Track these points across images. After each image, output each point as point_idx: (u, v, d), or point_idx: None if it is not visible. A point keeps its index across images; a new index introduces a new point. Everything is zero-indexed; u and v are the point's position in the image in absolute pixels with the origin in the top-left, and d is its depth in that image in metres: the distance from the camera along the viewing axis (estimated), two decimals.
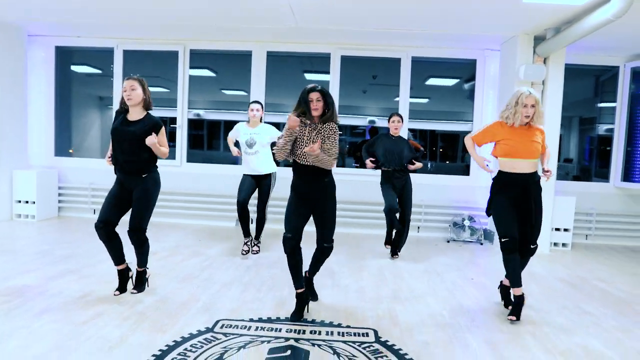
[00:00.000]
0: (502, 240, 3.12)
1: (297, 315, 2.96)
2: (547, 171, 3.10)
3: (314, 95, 2.91)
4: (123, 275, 3.26)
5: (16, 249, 4.48)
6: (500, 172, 3.21)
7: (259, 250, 4.66)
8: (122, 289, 3.23)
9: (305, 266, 3.10)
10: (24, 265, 3.87)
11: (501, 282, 3.44)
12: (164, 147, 3.19)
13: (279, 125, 5.27)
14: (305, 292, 3.06)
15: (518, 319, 3.05)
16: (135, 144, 3.10)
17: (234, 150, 4.65)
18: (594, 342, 2.79)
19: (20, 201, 5.94)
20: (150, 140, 3.06)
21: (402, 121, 4.63)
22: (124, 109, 3.18)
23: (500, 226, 3.16)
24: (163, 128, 3.21)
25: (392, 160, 4.55)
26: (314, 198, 2.96)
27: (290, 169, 3.05)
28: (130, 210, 3.20)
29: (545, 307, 3.40)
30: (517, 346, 2.69)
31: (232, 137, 4.69)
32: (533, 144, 3.10)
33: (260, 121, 4.62)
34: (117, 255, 3.23)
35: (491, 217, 3.30)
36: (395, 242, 4.75)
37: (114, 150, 3.18)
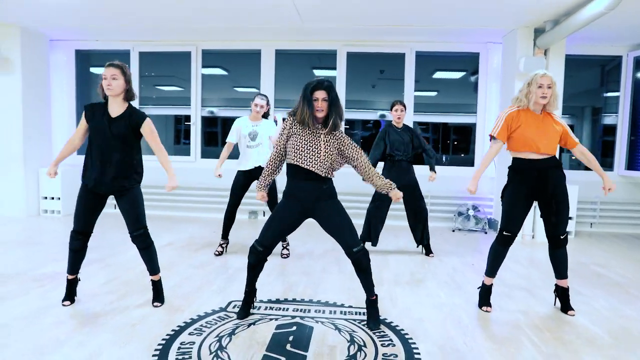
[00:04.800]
0: (503, 233, 2.98)
1: (245, 312, 2.85)
2: (609, 189, 2.97)
3: (320, 95, 2.65)
4: (72, 285, 3.02)
5: (45, 241, 4.82)
6: (515, 158, 3.00)
7: (289, 254, 4.37)
8: (71, 298, 3.00)
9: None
10: (53, 255, 4.20)
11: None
12: (160, 152, 2.94)
13: None
14: (254, 290, 2.95)
15: (571, 308, 3.06)
16: (122, 144, 2.82)
17: (218, 168, 4.34)
18: (582, 320, 2.96)
19: (46, 197, 6.31)
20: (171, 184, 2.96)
21: (405, 109, 4.47)
22: (96, 104, 2.90)
23: (506, 219, 2.99)
24: (149, 120, 2.90)
25: (399, 152, 4.40)
26: (312, 204, 2.69)
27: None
28: (126, 214, 2.91)
29: (542, 290, 3.56)
30: (507, 324, 2.88)
31: (233, 140, 4.34)
32: (551, 135, 2.88)
33: (264, 117, 4.37)
34: (77, 266, 3.00)
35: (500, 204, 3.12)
36: (423, 237, 4.55)
37: (93, 152, 2.83)
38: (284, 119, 3.66)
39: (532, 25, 5.21)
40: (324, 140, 2.68)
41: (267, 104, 4.33)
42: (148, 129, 2.89)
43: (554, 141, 2.92)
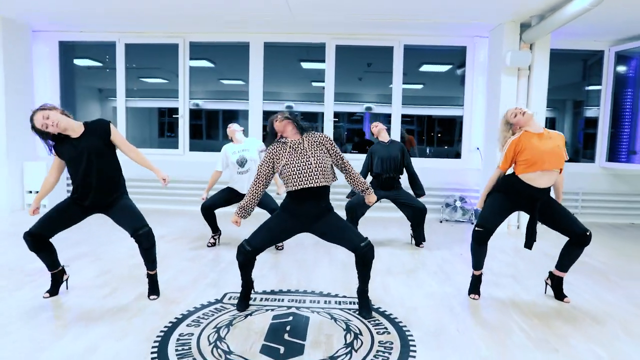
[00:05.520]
0: (476, 228, 3.04)
1: (243, 304, 2.89)
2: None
3: (279, 126, 2.74)
4: (57, 279, 3.02)
5: None
6: (516, 176, 3.03)
7: (283, 246, 4.41)
8: (54, 292, 3.01)
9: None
10: None
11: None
12: (130, 149, 2.92)
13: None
14: (251, 283, 2.95)
15: (565, 295, 3.16)
16: (99, 161, 2.81)
17: (205, 194, 4.42)
18: (568, 306, 3.07)
19: (30, 192, 6.20)
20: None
21: (380, 123, 4.63)
22: (58, 138, 2.80)
23: (482, 218, 3.07)
24: (111, 124, 2.89)
25: (388, 168, 4.47)
26: (311, 224, 2.75)
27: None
28: (122, 220, 2.92)
29: (528, 279, 3.67)
30: (496, 309, 2.98)
31: (220, 168, 4.44)
32: (557, 150, 2.96)
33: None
34: (52, 261, 2.97)
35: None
36: (417, 232, 4.66)
37: (77, 178, 2.83)
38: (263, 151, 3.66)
39: (518, 20, 5.29)
40: (308, 149, 2.70)
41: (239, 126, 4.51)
42: (118, 134, 2.89)
43: (560, 154, 2.98)
